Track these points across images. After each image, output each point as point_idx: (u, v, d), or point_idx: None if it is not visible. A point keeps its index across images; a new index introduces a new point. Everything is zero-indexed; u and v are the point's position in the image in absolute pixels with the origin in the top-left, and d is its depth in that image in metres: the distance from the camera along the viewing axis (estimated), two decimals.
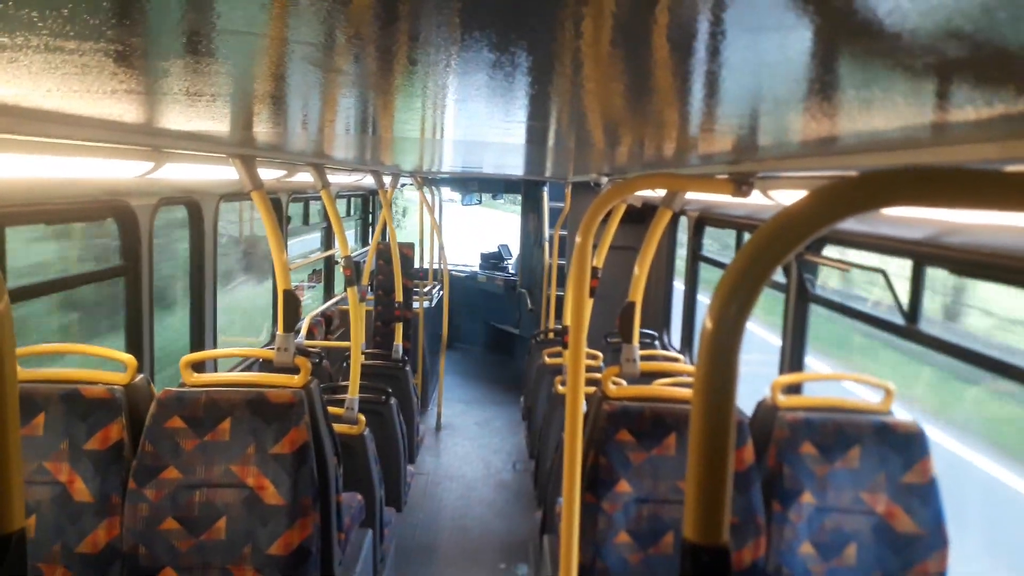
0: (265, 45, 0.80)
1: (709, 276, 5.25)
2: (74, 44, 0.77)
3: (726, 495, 0.77)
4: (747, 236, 4.21)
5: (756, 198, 2.51)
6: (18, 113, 1.51)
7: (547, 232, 8.62)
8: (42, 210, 2.75)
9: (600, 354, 5.03)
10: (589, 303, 3.31)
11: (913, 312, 2.74)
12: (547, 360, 5.60)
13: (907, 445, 2.71)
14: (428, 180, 8.76)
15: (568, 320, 2.31)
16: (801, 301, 3.61)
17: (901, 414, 2.86)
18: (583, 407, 2.83)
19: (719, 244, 6.27)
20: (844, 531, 2.69)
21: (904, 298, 2.75)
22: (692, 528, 0.77)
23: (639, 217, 5.77)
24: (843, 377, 3.10)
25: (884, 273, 2.94)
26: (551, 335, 6.86)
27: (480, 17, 0.62)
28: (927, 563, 2.63)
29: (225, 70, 0.98)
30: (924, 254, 2.62)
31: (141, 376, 2.78)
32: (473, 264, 11.63)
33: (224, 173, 3.05)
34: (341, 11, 0.62)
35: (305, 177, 4.11)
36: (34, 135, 1.80)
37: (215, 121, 1.70)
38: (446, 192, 11.51)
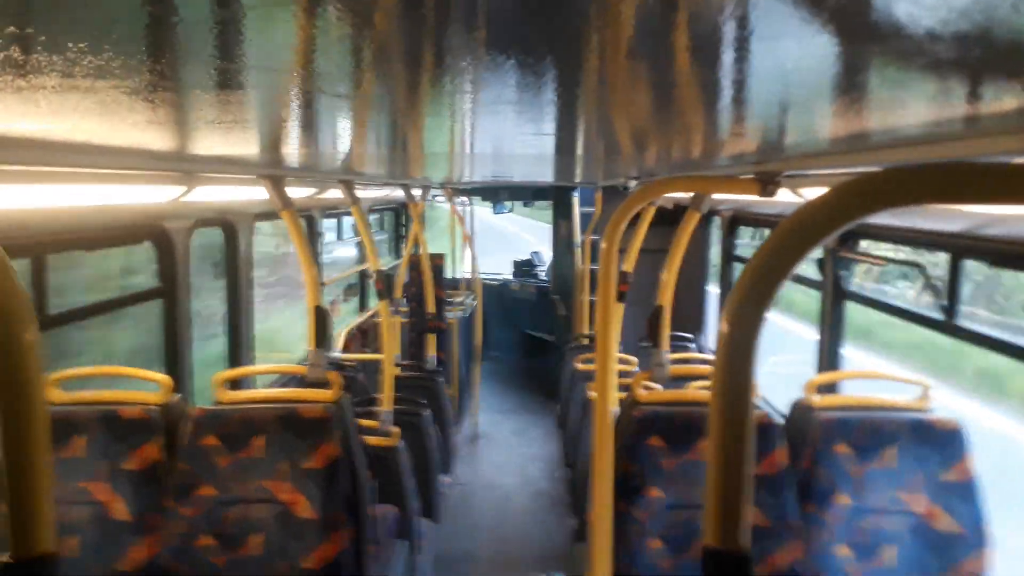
0: (290, 76, 0.82)
1: None
2: (88, 83, 0.79)
3: (745, 500, 0.76)
4: None
5: (788, 196, 2.48)
6: (48, 147, 1.55)
7: (578, 237, 8.60)
8: (81, 237, 2.82)
9: (634, 359, 5.00)
10: (619, 308, 3.30)
11: (952, 306, 2.68)
12: (580, 367, 5.58)
13: (947, 443, 2.65)
14: (458, 191, 8.80)
15: (597, 325, 2.30)
16: (837, 298, 3.56)
17: (944, 410, 2.80)
18: (615, 412, 2.81)
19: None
20: (882, 532, 2.63)
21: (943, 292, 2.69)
22: (712, 534, 0.76)
23: (672, 219, 5.73)
24: (878, 376, 3.04)
25: (921, 267, 2.89)
26: (584, 341, 6.83)
27: (504, 37, 0.62)
28: (968, 563, 2.56)
29: (252, 100, 1.00)
30: (962, 247, 2.56)
31: (177, 395, 2.83)
32: (506, 272, 11.64)
33: (258, 193, 3.10)
34: (366, 38, 0.63)
35: (336, 193, 4.16)
36: (66, 166, 1.85)
37: (244, 145, 1.73)
38: (478, 201, 11.55)
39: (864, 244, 3.47)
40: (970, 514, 2.59)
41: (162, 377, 2.81)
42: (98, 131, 1.31)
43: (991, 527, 2.58)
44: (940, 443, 2.65)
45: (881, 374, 3.08)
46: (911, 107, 0.93)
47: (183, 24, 0.58)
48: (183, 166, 2.30)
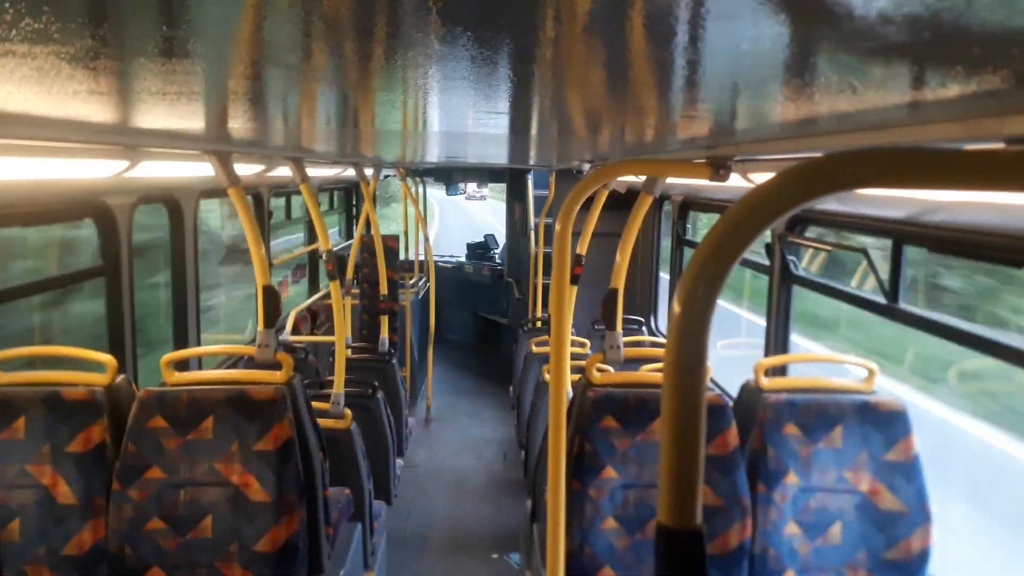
0: (238, 45, 0.79)
1: None
2: (25, 48, 0.75)
3: (698, 479, 0.77)
4: None
5: (737, 182, 2.52)
6: None
7: (532, 220, 8.61)
8: (18, 212, 2.71)
9: (587, 341, 5.04)
10: (572, 291, 3.32)
11: (894, 291, 2.76)
12: (534, 349, 5.61)
13: (889, 423, 2.74)
14: (411, 171, 8.72)
15: (551, 308, 2.31)
16: (784, 283, 3.63)
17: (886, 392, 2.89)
18: (569, 394, 2.83)
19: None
20: (828, 510, 2.71)
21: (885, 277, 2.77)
22: (666, 512, 0.77)
23: (626, 203, 5.78)
24: (826, 359, 3.13)
25: (866, 253, 2.96)
26: (538, 324, 6.87)
27: (459, 9, 0.61)
28: (911, 539, 2.66)
29: (197, 70, 0.97)
30: (904, 233, 2.64)
31: (122, 376, 2.76)
32: (460, 255, 11.61)
33: (204, 170, 3.02)
34: (316, 8, 0.61)
35: (285, 171, 4.08)
36: (3, 137, 1.77)
37: (189, 119, 1.68)
38: (431, 182, 11.46)
39: (812, 231, 3.55)
40: (912, 492, 2.68)
41: (107, 357, 2.74)
42: (36, 101, 1.25)
43: (932, 505, 2.69)
44: (884, 424, 2.73)
45: (828, 357, 3.17)
46: (859, 93, 0.94)
47: None
48: (126, 139, 2.23)
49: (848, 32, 0.61)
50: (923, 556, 2.66)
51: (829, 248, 3.31)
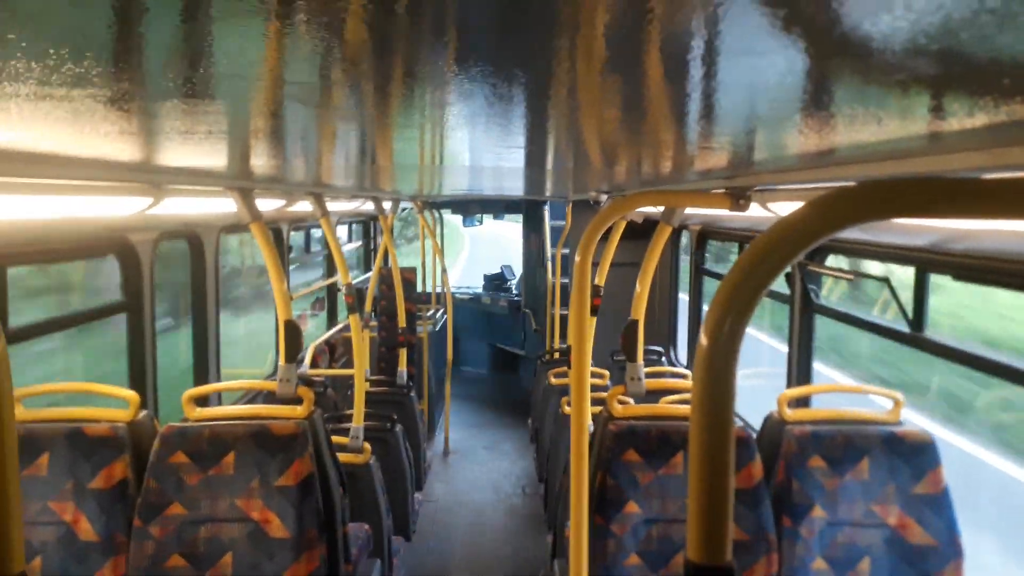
0: (260, 86, 0.80)
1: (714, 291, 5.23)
2: (63, 91, 0.77)
3: (728, 514, 0.76)
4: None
5: (757, 211, 2.51)
6: (13, 157, 1.51)
7: (549, 251, 8.62)
8: (42, 249, 2.75)
9: (607, 372, 5.00)
10: (592, 322, 3.30)
11: (918, 319, 2.72)
12: (553, 381, 5.57)
13: (917, 455, 2.68)
14: (428, 204, 8.78)
15: (571, 340, 2.31)
16: (806, 312, 3.59)
17: (912, 424, 2.83)
18: (589, 427, 2.81)
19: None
20: (857, 545, 2.65)
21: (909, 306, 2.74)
22: (695, 548, 0.75)
23: (642, 233, 5.77)
24: (849, 389, 3.08)
25: (888, 281, 2.93)
26: (556, 355, 6.83)
27: (474, 50, 0.62)
28: (942, 574, 2.59)
29: (220, 110, 0.98)
30: (927, 261, 2.61)
31: (144, 412, 2.77)
32: (477, 286, 11.62)
33: (224, 205, 3.06)
34: (336, 50, 0.62)
35: (305, 206, 4.12)
36: (31, 177, 1.80)
37: (212, 156, 1.70)
38: (448, 213, 11.54)
39: (831, 259, 3.52)
40: (942, 526, 2.61)
41: (129, 393, 2.75)
42: (67, 141, 1.28)
43: (962, 538, 2.62)
44: (911, 456, 2.68)
45: (852, 387, 3.12)
46: (881, 123, 0.94)
47: (157, 32, 0.57)
48: (151, 177, 2.26)
49: (873, 65, 0.60)
50: None
51: (851, 277, 3.28)
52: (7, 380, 0.88)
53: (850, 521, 2.66)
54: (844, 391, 3.06)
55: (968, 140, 1.00)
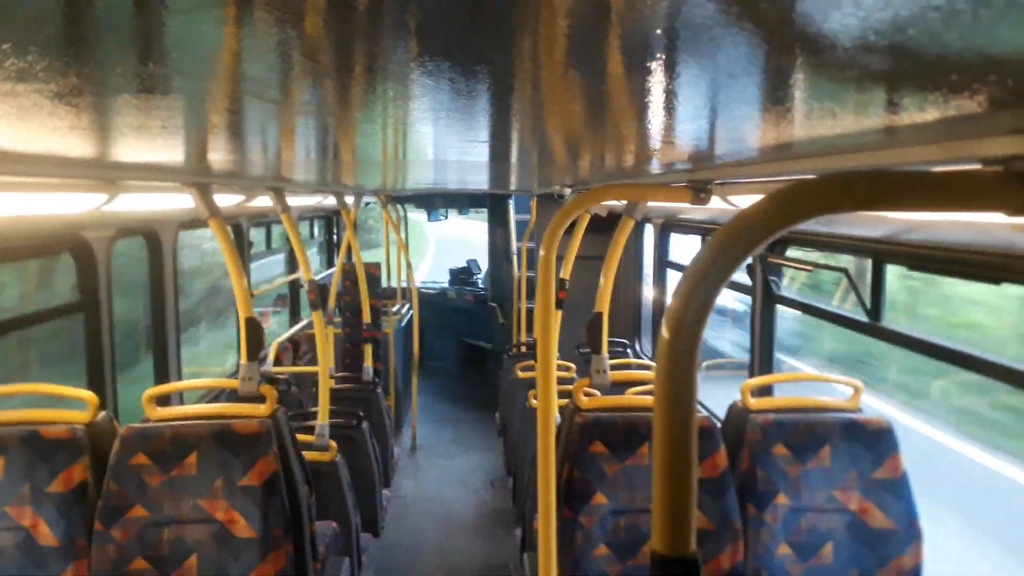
0: (219, 80, 0.79)
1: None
2: (8, 87, 0.75)
3: (691, 504, 0.77)
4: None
5: (717, 203, 2.54)
6: None
7: (515, 245, 8.63)
8: None
9: (572, 366, 5.03)
10: (557, 315, 3.31)
11: (876, 309, 2.78)
12: (520, 374, 5.58)
13: (876, 441, 2.74)
14: (392, 198, 8.73)
15: (537, 333, 2.32)
16: (767, 303, 3.65)
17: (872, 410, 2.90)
18: (557, 420, 2.82)
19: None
20: (819, 530, 2.70)
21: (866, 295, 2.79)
22: (659, 539, 0.76)
23: (607, 226, 5.81)
24: (811, 378, 3.14)
25: (846, 272, 2.99)
26: (523, 349, 6.85)
27: (436, 43, 0.62)
28: (902, 558, 2.66)
29: (178, 104, 0.96)
30: (884, 252, 2.66)
31: (103, 414, 2.71)
32: (442, 280, 11.59)
33: (182, 201, 3.00)
34: (295, 43, 0.61)
35: (265, 201, 4.07)
36: None
37: (169, 152, 1.67)
38: (412, 208, 11.47)
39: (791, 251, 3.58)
40: (902, 510, 2.68)
41: (87, 394, 2.69)
42: (14, 137, 1.24)
43: (921, 522, 2.68)
44: (871, 442, 2.74)
45: (813, 376, 3.18)
46: (839, 118, 0.96)
47: (107, 25, 0.55)
48: (105, 173, 2.21)
49: (828, 61, 0.61)
50: (915, 574, 2.66)
51: (810, 268, 3.34)
52: None
53: (813, 507, 2.71)
54: (805, 379, 3.13)
55: (920, 134, 1.03)
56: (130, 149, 1.57)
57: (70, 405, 2.70)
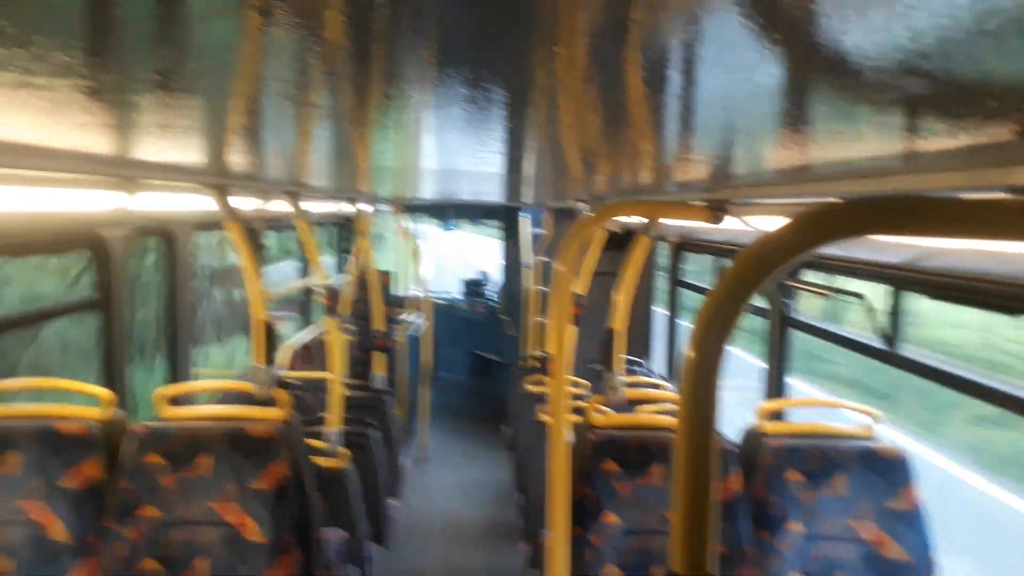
0: (239, 81, 0.79)
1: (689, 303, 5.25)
2: (44, 80, 0.75)
3: (710, 526, 0.76)
4: (725, 261, 4.23)
5: (734, 223, 2.52)
6: None
7: (528, 258, 8.62)
8: (12, 243, 2.70)
9: (586, 382, 5.00)
10: (571, 331, 3.30)
11: (893, 336, 2.74)
12: (530, 388, 5.56)
13: (892, 471, 2.70)
14: (406, 207, 8.75)
15: (550, 348, 2.31)
16: (782, 327, 3.62)
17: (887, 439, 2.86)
18: (569, 437, 2.80)
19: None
20: (833, 559, 2.66)
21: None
22: (677, 560, 0.75)
23: (621, 243, 5.79)
24: (827, 403, 3.11)
25: (863, 298, 2.95)
26: (534, 362, 6.82)
27: (454, 54, 0.62)
28: None
29: (201, 104, 0.97)
30: (902, 279, 2.63)
31: (118, 411, 2.72)
32: (453, 291, 11.59)
33: (198, 203, 3.02)
34: (315, 49, 0.61)
35: (280, 206, 4.09)
36: (3, 167, 1.77)
37: (189, 152, 1.68)
38: (425, 218, 11.50)
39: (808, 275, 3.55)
40: (917, 542, 2.63)
41: (104, 391, 2.69)
42: (43, 133, 1.25)
43: (937, 555, 2.63)
44: (886, 471, 2.69)
45: (829, 402, 3.14)
46: (859, 141, 0.94)
47: (142, 24, 0.56)
48: (127, 171, 2.23)
49: (845, 84, 0.60)
50: None
51: (826, 293, 3.30)
52: None
53: (827, 536, 2.67)
54: (821, 405, 3.09)
55: (946, 161, 1.01)
56: (153, 148, 1.58)
57: (75, 400, 2.71)
